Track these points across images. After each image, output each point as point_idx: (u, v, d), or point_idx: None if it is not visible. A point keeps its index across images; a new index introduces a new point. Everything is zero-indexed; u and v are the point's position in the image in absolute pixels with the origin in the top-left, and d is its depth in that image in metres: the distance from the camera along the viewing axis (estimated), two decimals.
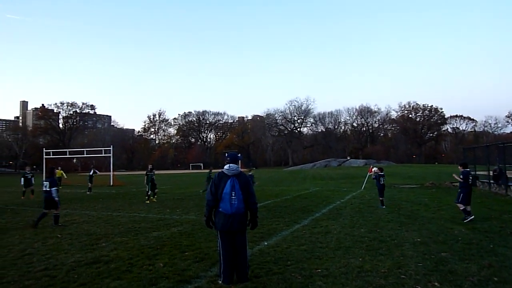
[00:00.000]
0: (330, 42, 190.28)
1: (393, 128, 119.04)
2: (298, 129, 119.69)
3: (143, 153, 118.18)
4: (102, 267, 5.89)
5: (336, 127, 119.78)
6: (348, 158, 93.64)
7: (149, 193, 16.39)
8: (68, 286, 5.07)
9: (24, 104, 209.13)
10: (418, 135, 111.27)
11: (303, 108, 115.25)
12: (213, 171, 19.73)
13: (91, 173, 22.69)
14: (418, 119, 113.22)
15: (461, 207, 9.95)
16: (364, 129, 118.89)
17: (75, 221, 10.95)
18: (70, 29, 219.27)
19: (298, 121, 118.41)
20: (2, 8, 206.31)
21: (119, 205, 14.95)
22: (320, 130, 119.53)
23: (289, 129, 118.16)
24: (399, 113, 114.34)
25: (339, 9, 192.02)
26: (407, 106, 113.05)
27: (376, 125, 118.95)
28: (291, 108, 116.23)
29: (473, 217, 9.58)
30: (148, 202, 15.87)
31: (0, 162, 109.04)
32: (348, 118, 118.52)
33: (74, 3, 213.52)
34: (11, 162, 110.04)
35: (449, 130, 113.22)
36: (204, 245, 7.26)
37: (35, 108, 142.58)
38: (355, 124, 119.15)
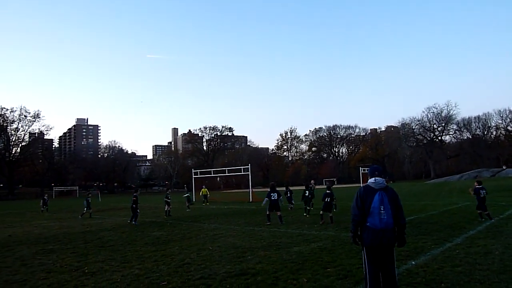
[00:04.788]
0: (468, 40, 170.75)
1: None
2: (439, 138, 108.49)
3: (278, 170, 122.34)
4: (250, 279, 6.23)
5: (485, 132, 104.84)
6: (504, 167, 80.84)
7: (307, 208, 17.44)
8: None
9: (175, 131, 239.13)
10: None
11: (443, 115, 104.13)
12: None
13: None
14: None
15: None
16: None
17: (222, 234, 11.88)
18: (208, 62, 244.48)
19: (439, 129, 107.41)
20: (142, 51, 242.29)
21: (260, 220, 15.67)
22: (466, 137, 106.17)
23: (429, 138, 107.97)
24: None
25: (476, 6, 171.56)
26: None
27: None
28: (429, 116, 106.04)
29: None
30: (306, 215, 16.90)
31: (158, 182, 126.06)
32: (500, 121, 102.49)
33: (206, 39, 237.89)
34: (167, 182, 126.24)
35: None
36: (346, 262, 7.09)
37: (183, 133, 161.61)
38: (510, 128, 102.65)
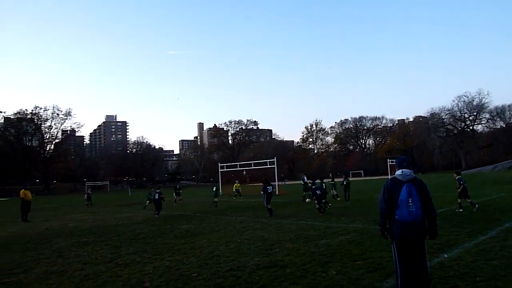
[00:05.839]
0: (499, 24, 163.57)
1: None
2: (471, 127, 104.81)
3: (303, 163, 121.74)
4: (279, 271, 6.28)
5: None
6: None
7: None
8: (251, 286, 5.57)
9: (200, 126, 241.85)
10: None
11: (474, 103, 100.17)
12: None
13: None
14: None
15: None
16: None
17: (250, 227, 11.99)
18: (232, 56, 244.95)
19: (470, 118, 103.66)
20: (162, 47, 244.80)
21: (287, 213, 15.72)
22: (499, 127, 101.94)
23: (459, 128, 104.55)
24: None
25: None
26: None
27: None
28: (459, 105, 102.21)
29: None
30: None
31: (186, 176, 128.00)
32: None
33: (230, 33, 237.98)
34: (193, 176, 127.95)
35: None
36: (375, 255, 7.02)
37: (209, 128, 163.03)
38: None
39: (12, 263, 8.28)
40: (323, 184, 17.14)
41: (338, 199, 20.91)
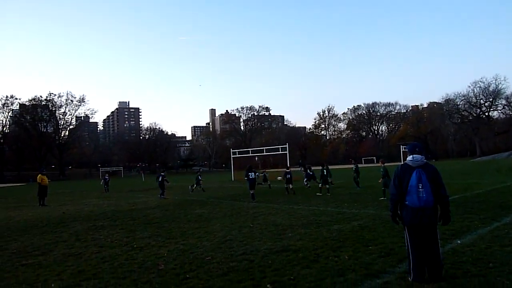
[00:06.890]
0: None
1: None
2: (486, 114, 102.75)
3: (315, 149, 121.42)
4: (291, 255, 6.35)
5: None
6: None
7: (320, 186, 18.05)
8: (264, 270, 5.64)
9: (212, 112, 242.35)
10: None
11: (491, 89, 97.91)
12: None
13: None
14: None
15: None
16: None
17: (262, 212, 12.09)
18: (244, 42, 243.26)
19: (486, 104, 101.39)
20: (173, 33, 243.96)
21: (299, 199, 15.80)
22: None
23: (475, 115, 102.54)
24: None
25: None
26: None
27: None
28: (475, 91, 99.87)
29: None
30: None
31: (198, 162, 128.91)
32: None
33: (240, 19, 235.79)
34: (205, 162, 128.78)
35: None
36: (388, 240, 7.03)
37: (221, 114, 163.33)
38: None
39: (32, 245, 8.52)
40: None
41: (333, 184, 21.02)
